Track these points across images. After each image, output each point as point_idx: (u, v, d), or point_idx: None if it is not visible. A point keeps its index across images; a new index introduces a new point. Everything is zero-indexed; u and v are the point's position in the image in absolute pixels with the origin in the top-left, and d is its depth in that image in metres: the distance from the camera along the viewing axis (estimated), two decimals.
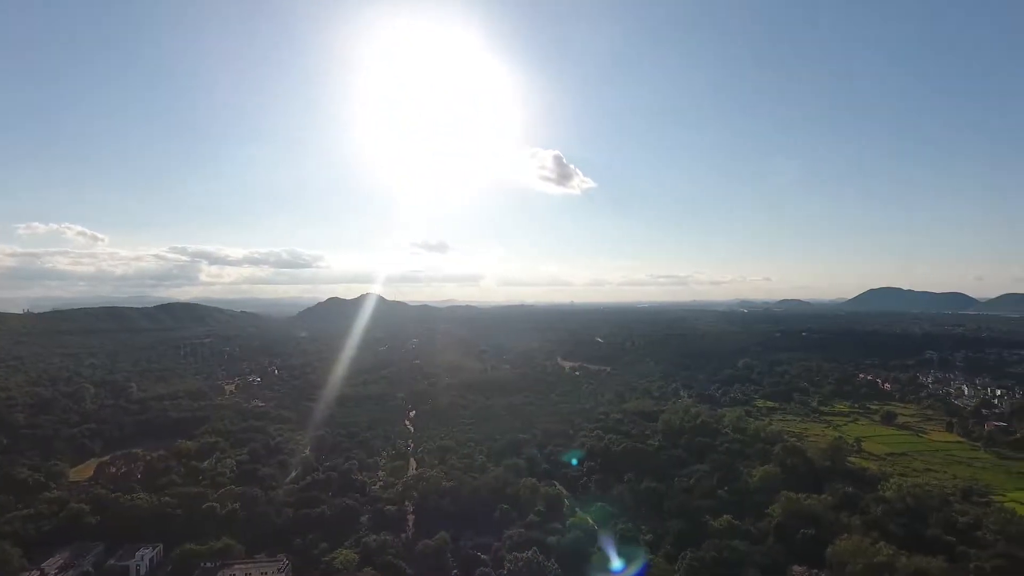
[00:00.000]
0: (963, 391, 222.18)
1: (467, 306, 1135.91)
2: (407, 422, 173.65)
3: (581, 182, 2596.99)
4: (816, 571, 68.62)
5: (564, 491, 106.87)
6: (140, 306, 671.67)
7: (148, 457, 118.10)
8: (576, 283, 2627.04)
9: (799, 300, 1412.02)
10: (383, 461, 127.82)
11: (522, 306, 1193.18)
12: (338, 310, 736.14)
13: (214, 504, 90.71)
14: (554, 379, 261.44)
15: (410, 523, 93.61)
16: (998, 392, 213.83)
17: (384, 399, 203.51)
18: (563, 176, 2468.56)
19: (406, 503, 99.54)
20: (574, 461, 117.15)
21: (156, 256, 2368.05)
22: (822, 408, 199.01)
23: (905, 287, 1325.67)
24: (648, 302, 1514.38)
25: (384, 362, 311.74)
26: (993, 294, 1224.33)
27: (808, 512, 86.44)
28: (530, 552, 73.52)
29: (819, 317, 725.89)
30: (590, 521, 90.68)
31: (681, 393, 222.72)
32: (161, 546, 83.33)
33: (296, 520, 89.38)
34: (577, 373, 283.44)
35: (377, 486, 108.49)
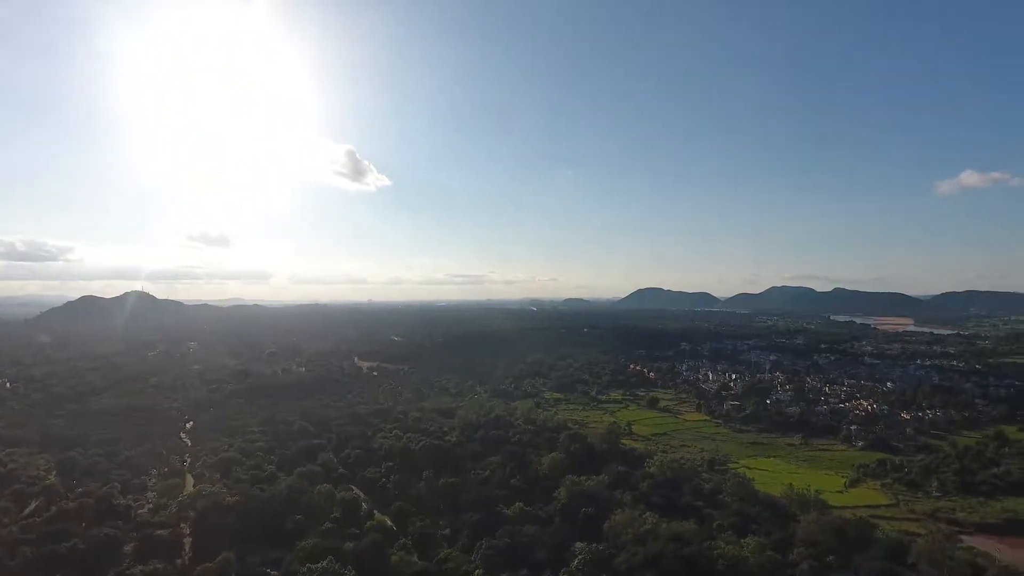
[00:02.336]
0: (708, 377, 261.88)
1: (255, 305, 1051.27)
2: (183, 435, 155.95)
3: (376, 179, 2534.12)
4: (596, 545, 75.97)
5: (362, 495, 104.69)
6: None
7: None
8: (374, 281, 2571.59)
9: (581, 299, 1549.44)
10: (153, 481, 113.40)
11: (317, 305, 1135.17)
12: (94, 310, 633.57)
13: None
14: (351, 380, 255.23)
15: (187, 547, 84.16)
16: (733, 376, 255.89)
17: (154, 410, 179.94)
18: (357, 172, 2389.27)
19: (182, 525, 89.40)
20: None
21: None
22: (600, 397, 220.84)
23: (666, 287, 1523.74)
24: (446, 301, 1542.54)
25: (155, 369, 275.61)
26: (729, 294, 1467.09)
27: (589, 492, 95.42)
28: (325, 562, 70.81)
29: (597, 315, 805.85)
30: (388, 522, 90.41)
31: (477, 389, 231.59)
32: None
33: (39, 559, 75.09)
34: (375, 373, 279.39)
35: (145, 509, 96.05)
